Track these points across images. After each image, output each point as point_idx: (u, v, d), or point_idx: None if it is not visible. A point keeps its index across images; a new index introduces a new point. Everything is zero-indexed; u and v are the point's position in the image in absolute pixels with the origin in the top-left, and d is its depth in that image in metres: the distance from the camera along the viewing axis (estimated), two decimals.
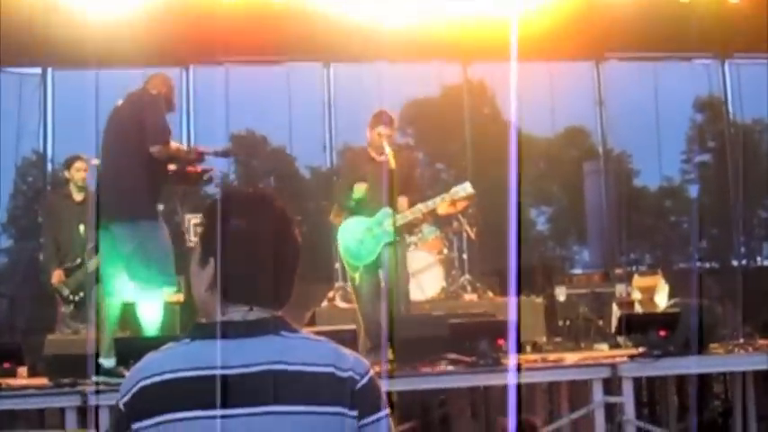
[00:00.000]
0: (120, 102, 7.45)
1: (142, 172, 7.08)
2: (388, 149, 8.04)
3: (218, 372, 2.33)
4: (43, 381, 7.08)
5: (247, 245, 2.42)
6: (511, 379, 6.75)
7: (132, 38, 11.83)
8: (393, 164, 7.97)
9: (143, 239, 7.03)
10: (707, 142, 20.36)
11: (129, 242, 7.01)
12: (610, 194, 15.80)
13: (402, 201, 8.28)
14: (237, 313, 2.41)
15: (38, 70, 14.56)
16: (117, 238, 7.03)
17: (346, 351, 2.45)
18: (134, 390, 2.36)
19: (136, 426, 2.33)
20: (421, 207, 8.24)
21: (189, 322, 7.56)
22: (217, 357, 2.35)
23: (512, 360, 6.95)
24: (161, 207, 7.44)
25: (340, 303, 10.42)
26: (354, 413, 2.34)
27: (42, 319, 10.44)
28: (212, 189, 9.02)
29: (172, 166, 7.42)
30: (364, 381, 2.38)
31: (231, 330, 2.38)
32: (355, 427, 2.34)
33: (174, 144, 7.34)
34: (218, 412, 2.30)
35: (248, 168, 21.07)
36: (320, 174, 18.58)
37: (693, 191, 20.56)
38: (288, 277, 2.49)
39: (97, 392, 6.35)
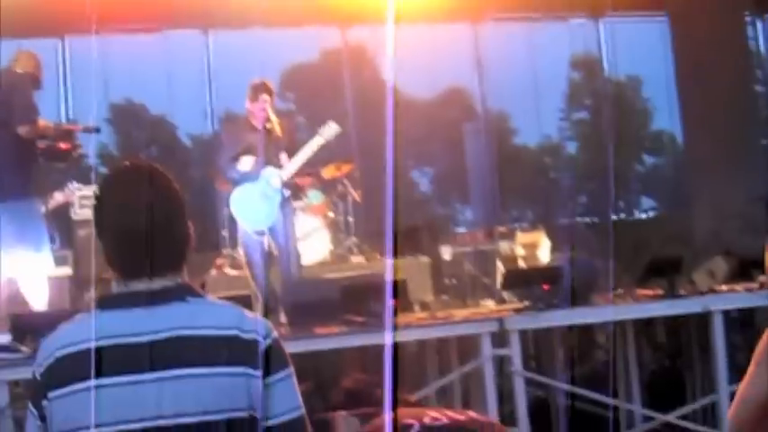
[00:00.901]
0: None
1: (11, 152, 7.05)
2: (273, 117, 8.12)
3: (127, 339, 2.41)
4: None
5: (135, 219, 2.47)
6: (387, 338, 6.87)
7: (3, 8, 11.57)
8: (279, 131, 8.05)
9: (16, 219, 6.99)
10: (584, 100, 20.76)
11: (4, 222, 6.95)
12: (490, 154, 16.01)
13: (283, 158, 8.33)
14: (141, 283, 2.48)
15: None
16: None
17: (249, 314, 2.54)
18: (50, 360, 2.43)
19: (52, 394, 2.40)
20: (298, 157, 8.30)
21: (78, 295, 7.51)
22: (126, 326, 2.43)
23: (387, 320, 7.09)
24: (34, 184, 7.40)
25: (229, 271, 10.42)
26: (259, 373, 2.43)
27: None
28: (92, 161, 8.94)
29: (42, 144, 7.38)
30: (267, 341, 2.48)
31: (137, 300, 2.46)
32: (260, 386, 2.43)
33: (41, 122, 7.30)
34: (129, 378, 2.37)
35: (128, 139, 20.78)
36: (202, 142, 18.44)
37: (572, 148, 20.97)
38: (182, 244, 2.56)
39: None
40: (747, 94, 14.38)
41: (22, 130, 7.01)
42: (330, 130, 8.45)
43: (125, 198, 2.49)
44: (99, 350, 2.39)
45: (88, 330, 2.44)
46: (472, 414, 3.28)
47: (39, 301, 7.05)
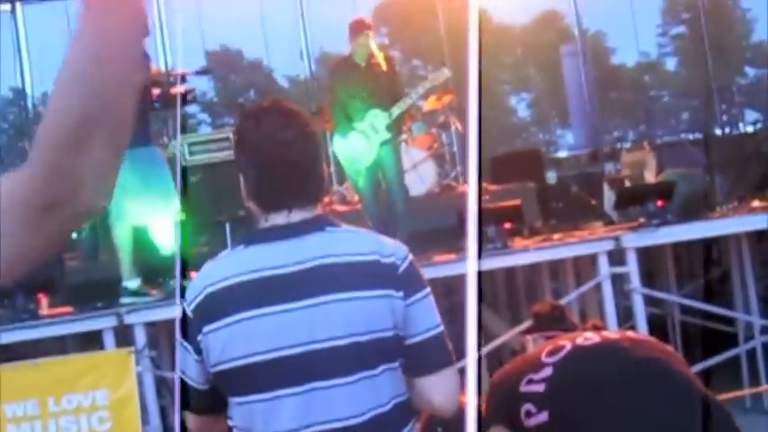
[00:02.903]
0: None
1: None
2: (377, 52, 8.13)
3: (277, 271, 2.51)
4: (68, 309, 7.26)
5: (277, 153, 2.57)
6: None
7: None
8: (384, 66, 8.06)
9: (142, 166, 7.08)
10: (681, 14, 20.37)
11: (128, 171, 7.05)
12: (588, 75, 15.87)
13: (386, 95, 8.32)
14: (280, 217, 2.57)
15: (7, 6, 14.47)
16: None
17: (387, 239, 2.63)
18: (200, 297, 2.54)
19: (206, 329, 2.51)
20: (406, 100, 8.32)
21: (189, 236, 7.60)
22: (271, 259, 2.53)
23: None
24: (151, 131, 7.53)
25: (339, 207, 10.53)
26: (400, 294, 2.52)
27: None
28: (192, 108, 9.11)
29: (156, 91, 7.48)
30: (406, 264, 2.56)
31: (279, 233, 2.56)
32: (402, 306, 2.52)
33: (154, 68, 7.38)
34: (280, 307, 2.47)
35: (226, 84, 21.04)
36: (299, 83, 18.55)
37: (671, 64, 20.63)
38: (319, 178, 2.65)
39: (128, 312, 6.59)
40: None
41: (137, 77, 7.05)
42: (441, 75, 8.48)
43: (268, 133, 2.58)
44: (248, 283, 2.51)
45: (235, 266, 2.55)
46: (628, 334, 3.30)
47: (165, 245, 7.18)
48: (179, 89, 7.73)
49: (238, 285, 2.51)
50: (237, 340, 2.49)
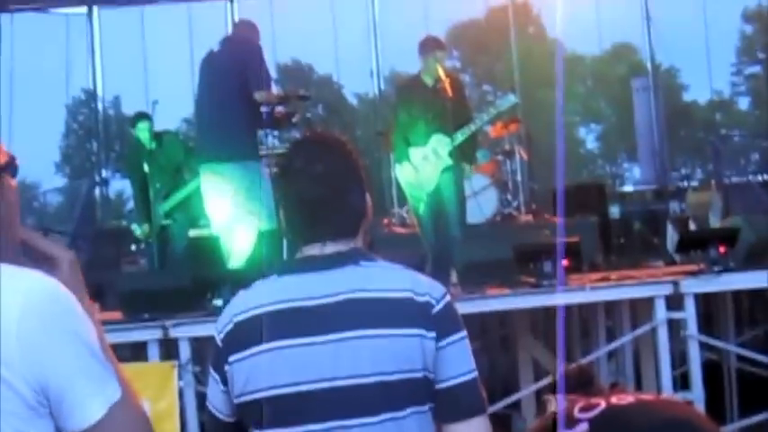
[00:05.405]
0: (216, 47, 7.66)
1: (245, 115, 7.32)
2: (444, 77, 7.95)
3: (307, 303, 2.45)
4: (117, 315, 7.24)
5: (311, 187, 2.53)
6: (559, 300, 6.83)
7: None
8: (449, 91, 7.89)
9: (251, 179, 7.18)
10: (756, 53, 20.12)
11: (236, 181, 7.18)
12: (659, 110, 15.69)
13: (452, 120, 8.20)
14: (314, 248, 2.53)
15: (84, 9, 14.73)
16: (223, 177, 7.24)
17: (422, 277, 2.57)
18: (229, 326, 2.52)
19: (232, 358, 2.48)
20: (471, 127, 8.18)
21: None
22: (301, 290, 2.49)
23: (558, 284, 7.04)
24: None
25: (398, 229, 10.49)
26: (432, 335, 2.44)
27: (103, 257, 10.60)
28: None
29: (264, 109, 7.64)
30: (441, 304, 2.48)
31: (312, 264, 2.52)
32: (433, 348, 2.44)
33: (273, 91, 7.57)
34: (305, 340, 2.42)
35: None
36: (368, 101, 18.56)
37: (744, 104, 20.36)
38: (357, 212, 2.59)
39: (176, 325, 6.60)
40: None
41: (259, 95, 7.23)
42: (507, 102, 8.35)
43: (303, 167, 2.55)
44: (275, 314, 2.46)
45: (264, 296, 2.51)
46: (661, 396, 3.24)
47: (241, 258, 7.25)
48: (285, 111, 7.93)
49: (266, 315, 2.47)
50: (261, 371, 2.44)
